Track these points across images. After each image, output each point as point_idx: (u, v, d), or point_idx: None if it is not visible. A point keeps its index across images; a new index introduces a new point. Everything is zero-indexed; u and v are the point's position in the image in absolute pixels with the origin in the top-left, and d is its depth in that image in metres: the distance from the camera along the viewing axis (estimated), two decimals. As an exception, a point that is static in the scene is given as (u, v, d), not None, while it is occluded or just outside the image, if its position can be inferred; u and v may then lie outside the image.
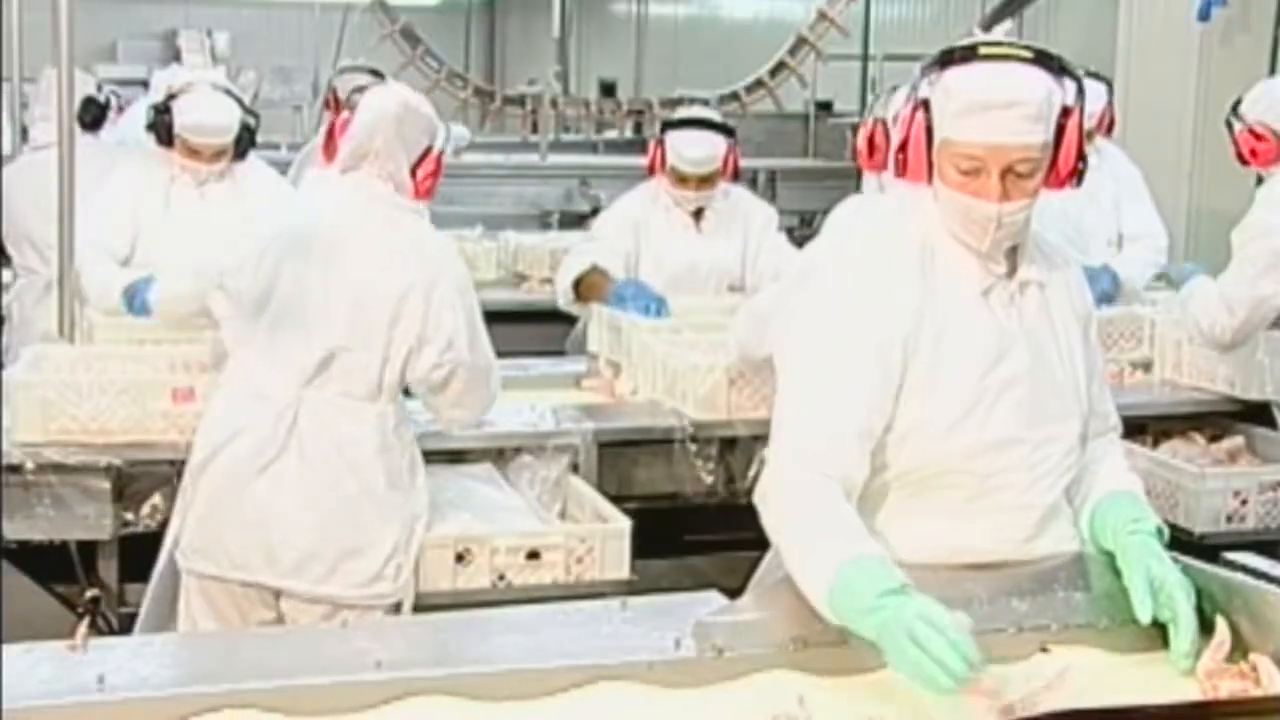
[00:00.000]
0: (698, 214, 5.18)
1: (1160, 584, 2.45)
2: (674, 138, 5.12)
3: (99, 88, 6.22)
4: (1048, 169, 2.49)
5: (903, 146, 2.52)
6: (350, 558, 3.46)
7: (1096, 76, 5.63)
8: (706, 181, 5.12)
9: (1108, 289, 5.25)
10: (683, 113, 5.53)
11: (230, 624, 3.49)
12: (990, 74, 2.45)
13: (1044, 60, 2.48)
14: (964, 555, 2.54)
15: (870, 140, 4.58)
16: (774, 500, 2.48)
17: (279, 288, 3.50)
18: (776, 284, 4.15)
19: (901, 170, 2.53)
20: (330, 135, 3.67)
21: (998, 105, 2.42)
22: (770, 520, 2.47)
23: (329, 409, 3.48)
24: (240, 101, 4.91)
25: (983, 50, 2.49)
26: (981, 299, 2.54)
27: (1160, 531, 2.56)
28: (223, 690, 2.15)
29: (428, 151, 3.60)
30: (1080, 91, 2.51)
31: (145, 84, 11.63)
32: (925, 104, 2.49)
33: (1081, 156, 2.52)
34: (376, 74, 7.17)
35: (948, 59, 2.49)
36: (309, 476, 3.46)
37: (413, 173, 3.57)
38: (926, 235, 2.54)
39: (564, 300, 5.10)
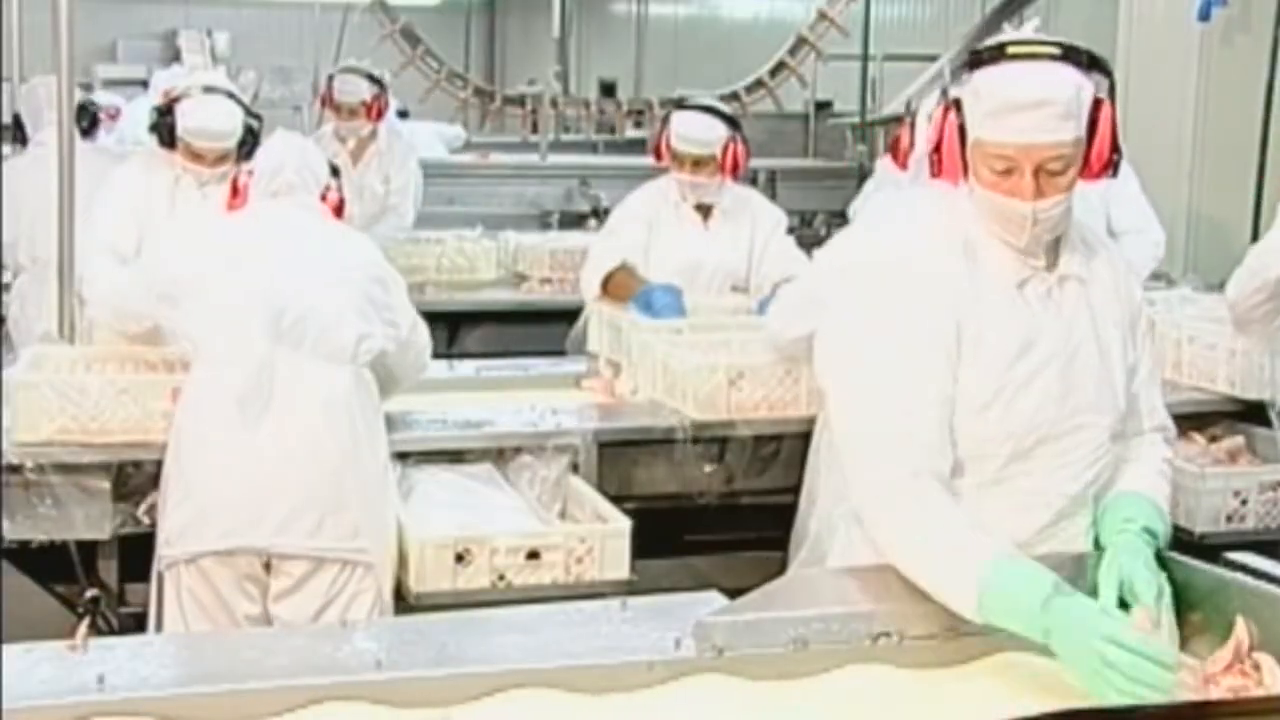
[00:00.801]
0: (706, 213, 5.17)
1: (1130, 581, 2.44)
2: (677, 118, 5.14)
3: (88, 88, 6.23)
4: (1082, 162, 2.52)
5: (937, 148, 2.55)
6: (334, 512, 3.53)
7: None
8: (702, 166, 5.09)
9: None
10: (694, 100, 5.55)
11: (216, 620, 3.50)
12: (1018, 74, 2.48)
13: (1073, 55, 2.51)
14: None
15: (896, 141, 4.59)
16: (889, 511, 2.49)
17: (241, 287, 3.60)
18: (809, 274, 4.15)
19: (937, 171, 2.57)
20: (235, 190, 3.89)
21: (1027, 105, 2.45)
22: (886, 529, 2.49)
23: (303, 368, 3.57)
24: (243, 104, 4.91)
25: (1011, 49, 2.51)
26: (1016, 291, 2.57)
27: (1149, 531, 2.55)
28: (223, 690, 2.15)
29: (328, 191, 3.87)
30: (1112, 84, 2.55)
31: (145, 84, 11.64)
32: (957, 104, 2.52)
33: (1116, 148, 2.55)
34: (374, 79, 7.21)
35: (977, 59, 2.52)
36: (289, 435, 3.53)
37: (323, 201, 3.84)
38: (966, 230, 2.57)
39: (590, 297, 5.07)
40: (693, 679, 2.30)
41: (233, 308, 3.59)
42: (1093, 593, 2.47)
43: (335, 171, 3.95)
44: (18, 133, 6.31)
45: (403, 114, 11.99)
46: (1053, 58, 2.50)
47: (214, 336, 3.61)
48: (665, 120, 5.22)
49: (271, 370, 3.55)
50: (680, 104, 5.38)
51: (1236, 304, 4.29)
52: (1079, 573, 2.54)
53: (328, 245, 3.75)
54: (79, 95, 5.95)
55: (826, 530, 2.85)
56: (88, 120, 5.93)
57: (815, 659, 2.36)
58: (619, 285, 4.94)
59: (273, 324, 3.57)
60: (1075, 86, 2.48)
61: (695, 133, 5.08)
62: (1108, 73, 2.56)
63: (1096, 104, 2.51)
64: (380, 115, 7.15)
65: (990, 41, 2.56)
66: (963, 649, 2.42)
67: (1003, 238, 2.55)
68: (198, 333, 3.64)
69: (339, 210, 3.88)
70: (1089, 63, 2.52)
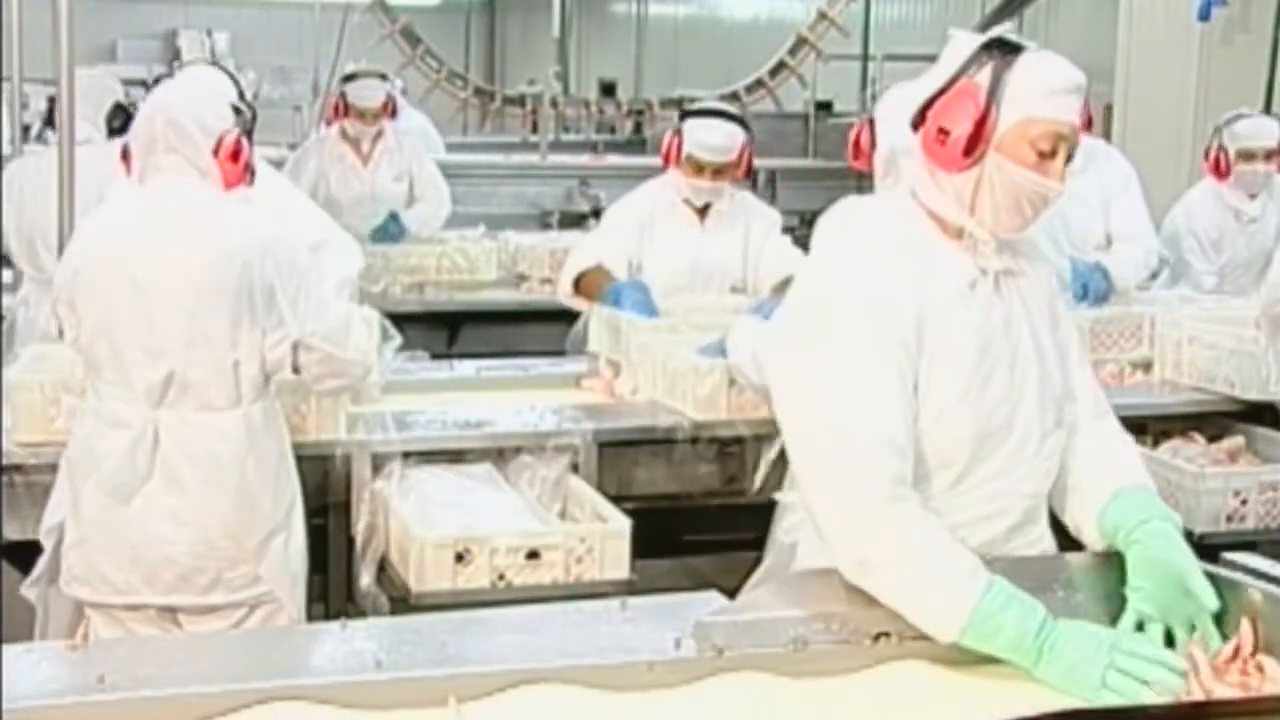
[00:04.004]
0: (703, 212, 5.17)
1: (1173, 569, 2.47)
2: (693, 125, 5.09)
3: (126, 93, 6.21)
4: None
5: (980, 124, 2.50)
6: (232, 566, 3.47)
7: None
8: (721, 173, 5.09)
9: (1100, 287, 5.28)
10: (702, 104, 5.52)
11: (130, 630, 3.47)
12: (1059, 60, 2.56)
13: None
14: None
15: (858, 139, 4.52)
16: (867, 530, 2.41)
17: (105, 317, 3.43)
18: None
19: (969, 151, 2.51)
20: (124, 155, 3.58)
21: (1076, 89, 2.54)
22: (864, 548, 2.41)
23: (188, 428, 3.44)
24: (240, 87, 4.91)
25: (1020, 43, 2.57)
26: (969, 292, 2.57)
27: (1170, 521, 2.56)
28: (220, 690, 2.15)
29: (224, 136, 3.50)
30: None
31: (145, 84, 11.63)
32: (992, 89, 2.51)
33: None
34: (384, 78, 7.27)
35: (1005, 47, 2.54)
36: (179, 497, 3.43)
37: (215, 158, 3.49)
38: (912, 234, 2.58)
39: (563, 294, 5.09)
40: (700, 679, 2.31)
41: (114, 359, 3.43)
42: (1118, 596, 2.48)
43: (238, 110, 3.60)
44: (50, 121, 6.28)
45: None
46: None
47: (100, 382, 3.47)
48: (677, 130, 5.17)
49: (155, 436, 3.42)
50: (689, 111, 5.31)
51: (1274, 303, 4.29)
52: (1081, 573, 2.54)
53: (207, 258, 3.43)
54: (118, 94, 5.94)
55: (792, 539, 2.86)
56: (121, 119, 5.90)
57: (815, 659, 2.36)
58: (591, 284, 4.94)
59: (156, 388, 3.42)
60: None
61: (717, 140, 5.04)
62: None
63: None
64: (394, 114, 7.26)
65: (998, 33, 2.59)
66: (962, 649, 2.41)
67: (1005, 222, 2.55)
68: (88, 366, 3.51)
69: (235, 172, 3.52)
70: None
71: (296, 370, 3.57)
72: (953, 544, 2.41)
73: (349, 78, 7.36)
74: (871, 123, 4.16)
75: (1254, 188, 6.12)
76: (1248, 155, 6.05)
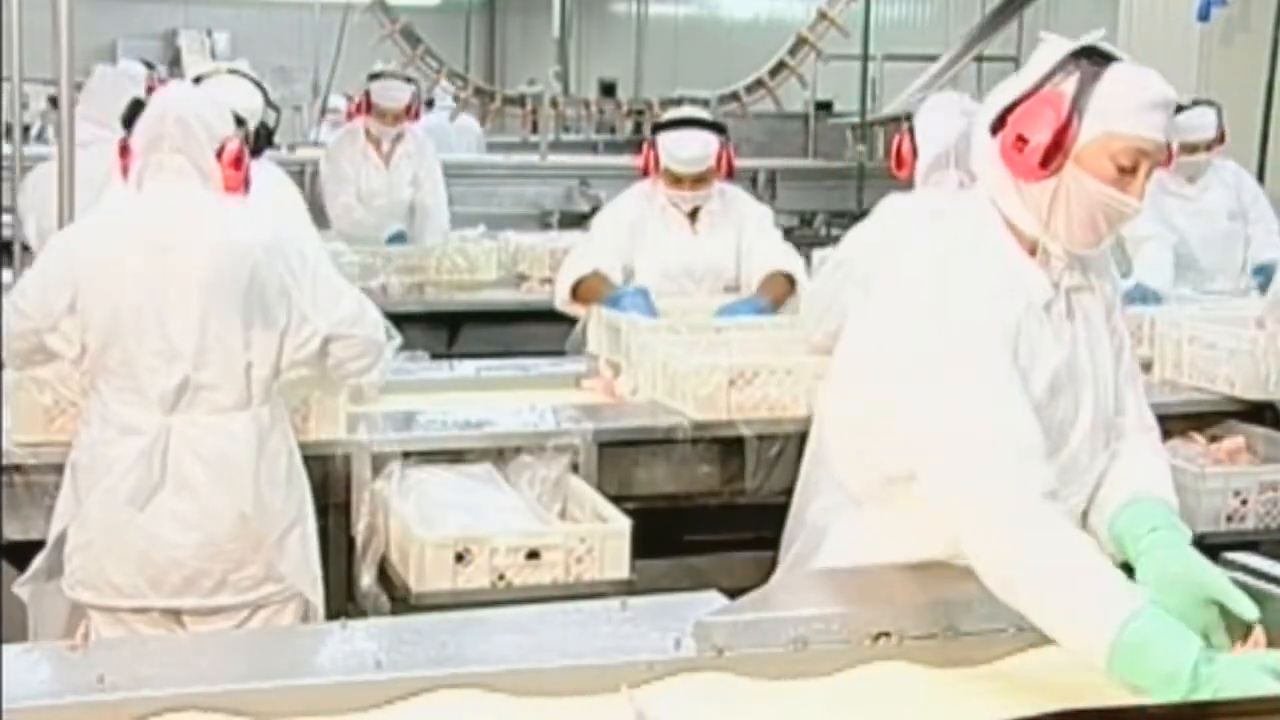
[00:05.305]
0: (693, 214, 5.17)
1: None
2: (665, 139, 5.10)
3: (149, 90, 6.20)
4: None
5: (1060, 135, 2.44)
6: (238, 568, 3.47)
7: None
8: (701, 181, 5.10)
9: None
10: (673, 113, 5.53)
11: (134, 630, 3.46)
12: (1146, 73, 2.48)
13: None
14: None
15: (899, 147, 4.47)
16: (1015, 540, 2.36)
17: (116, 321, 3.41)
18: (831, 271, 4.18)
19: (1046, 162, 2.46)
20: (123, 153, 3.58)
21: (1165, 104, 2.47)
22: (1009, 561, 2.35)
23: (200, 431, 3.43)
24: (264, 92, 4.93)
25: (1113, 53, 2.50)
26: (1044, 314, 2.54)
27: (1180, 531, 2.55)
28: (221, 691, 2.15)
29: (226, 142, 3.53)
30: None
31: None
32: (1076, 99, 2.45)
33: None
34: (409, 80, 7.39)
35: (1096, 56, 2.48)
36: (188, 501, 3.42)
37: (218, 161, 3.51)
38: (992, 245, 2.54)
39: (561, 302, 5.10)
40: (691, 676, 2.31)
41: (125, 365, 3.42)
42: None
43: (240, 121, 3.64)
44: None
45: (429, 103, 12.06)
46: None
47: (107, 388, 3.46)
48: (652, 142, 5.17)
49: (166, 441, 3.42)
50: (661, 124, 5.32)
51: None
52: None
53: (213, 262, 3.43)
54: (139, 89, 5.93)
55: (823, 525, 2.83)
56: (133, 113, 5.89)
57: (815, 659, 2.36)
58: (589, 291, 4.95)
59: (169, 395, 3.41)
60: None
61: (690, 153, 5.05)
62: None
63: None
64: (417, 116, 7.38)
65: (1094, 42, 2.52)
66: (963, 649, 2.42)
67: (1079, 239, 2.50)
68: (95, 374, 3.48)
69: (237, 163, 3.53)
70: None
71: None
72: (1101, 564, 2.32)
73: (374, 76, 7.49)
74: (911, 131, 4.14)
75: (1193, 174, 6.21)
76: (1190, 148, 6.12)
